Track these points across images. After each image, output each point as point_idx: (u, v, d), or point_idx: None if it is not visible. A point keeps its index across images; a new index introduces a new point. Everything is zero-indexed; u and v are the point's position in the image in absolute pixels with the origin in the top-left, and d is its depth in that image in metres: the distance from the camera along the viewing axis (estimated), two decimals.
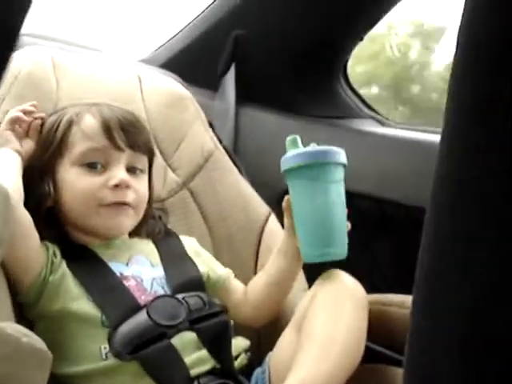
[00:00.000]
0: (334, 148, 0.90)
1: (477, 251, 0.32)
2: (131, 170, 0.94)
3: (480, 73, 0.32)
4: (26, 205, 0.86)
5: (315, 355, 0.79)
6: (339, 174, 0.90)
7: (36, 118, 0.97)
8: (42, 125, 0.97)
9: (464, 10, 0.34)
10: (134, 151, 0.94)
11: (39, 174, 0.92)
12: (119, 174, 0.90)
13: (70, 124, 0.93)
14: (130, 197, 0.91)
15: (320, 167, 0.88)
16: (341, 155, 0.90)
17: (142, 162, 0.97)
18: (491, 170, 0.31)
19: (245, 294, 1.02)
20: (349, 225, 0.91)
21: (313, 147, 0.91)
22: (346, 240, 0.90)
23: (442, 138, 0.35)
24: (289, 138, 0.93)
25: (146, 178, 0.98)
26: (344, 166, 0.91)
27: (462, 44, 0.34)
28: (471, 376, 0.32)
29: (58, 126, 0.93)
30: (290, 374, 0.78)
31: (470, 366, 0.32)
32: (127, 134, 0.93)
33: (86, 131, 0.91)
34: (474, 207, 0.32)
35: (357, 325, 0.84)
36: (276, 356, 0.91)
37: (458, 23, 0.34)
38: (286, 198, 0.94)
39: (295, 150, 0.90)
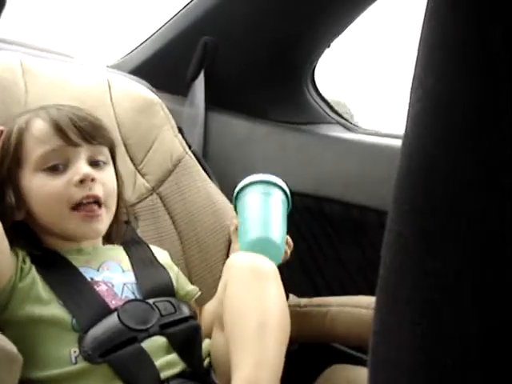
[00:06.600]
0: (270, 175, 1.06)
1: (434, 250, 0.34)
2: (94, 163, 0.93)
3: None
4: None
5: (249, 347, 0.78)
6: (277, 193, 1.04)
7: None
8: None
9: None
10: (92, 144, 0.93)
11: (0, 187, 0.90)
12: (81, 168, 0.89)
13: (20, 132, 0.91)
14: (97, 190, 0.90)
15: (257, 183, 1.04)
16: (276, 179, 1.06)
17: (104, 153, 0.95)
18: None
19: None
20: (289, 240, 1.02)
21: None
22: (283, 244, 0.99)
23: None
24: None
25: (111, 169, 0.97)
26: (285, 192, 1.06)
27: None
28: (433, 373, 0.33)
29: (10, 136, 0.91)
30: (232, 375, 0.77)
31: (432, 364, 0.33)
32: (80, 129, 0.91)
33: (38, 136, 0.90)
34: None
35: (275, 297, 0.84)
36: (216, 357, 0.90)
37: None
38: (234, 222, 0.99)
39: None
